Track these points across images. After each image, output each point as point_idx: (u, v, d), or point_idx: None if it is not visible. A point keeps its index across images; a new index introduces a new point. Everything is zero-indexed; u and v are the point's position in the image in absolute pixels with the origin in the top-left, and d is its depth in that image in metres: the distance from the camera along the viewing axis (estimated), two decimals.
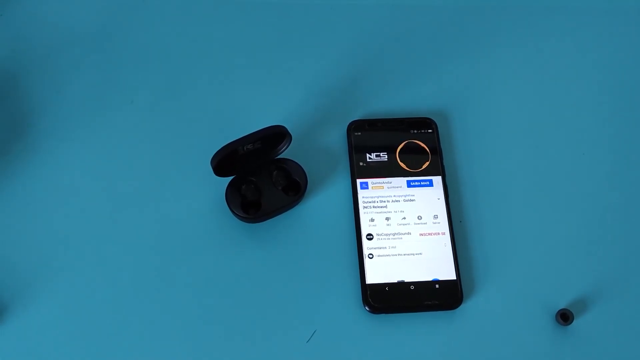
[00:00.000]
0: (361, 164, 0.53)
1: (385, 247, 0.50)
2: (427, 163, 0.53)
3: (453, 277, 0.49)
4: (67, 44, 0.59)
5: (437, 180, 0.52)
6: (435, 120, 0.55)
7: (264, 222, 0.51)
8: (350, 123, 0.55)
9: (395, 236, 0.50)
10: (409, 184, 0.52)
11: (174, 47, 0.59)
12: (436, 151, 0.54)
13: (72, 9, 0.60)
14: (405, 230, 0.50)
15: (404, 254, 0.49)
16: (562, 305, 0.49)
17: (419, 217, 0.51)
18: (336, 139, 0.55)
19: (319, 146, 0.54)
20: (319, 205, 0.52)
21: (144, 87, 0.57)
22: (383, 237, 0.50)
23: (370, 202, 0.51)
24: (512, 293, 0.49)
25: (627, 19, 0.61)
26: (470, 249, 0.50)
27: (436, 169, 0.53)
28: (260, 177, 0.51)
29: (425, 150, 0.54)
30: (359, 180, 0.52)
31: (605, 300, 0.49)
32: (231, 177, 0.51)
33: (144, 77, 0.57)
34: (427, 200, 0.51)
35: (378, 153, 0.53)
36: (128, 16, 0.60)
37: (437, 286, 0.48)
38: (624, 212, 0.52)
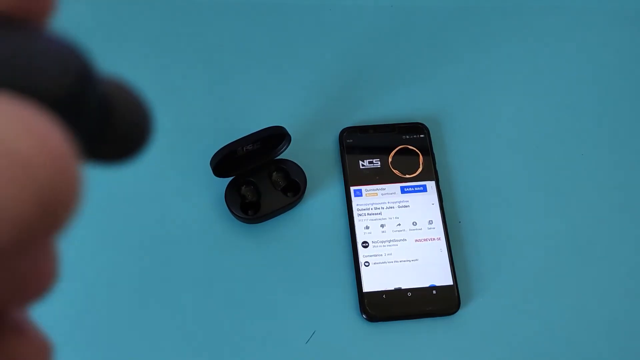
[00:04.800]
0: (354, 171, 0.52)
1: (381, 255, 0.49)
2: (420, 168, 0.53)
3: (450, 282, 0.49)
4: None
5: (431, 185, 0.52)
6: (427, 125, 0.55)
7: (263, 222, 0.51)
8: (341, 130, 0.54)
9: (391, 243, 0.50)
10: (402, 190, 0.52)
11: (173, 47, 0.58)
12: (429, 156, 0.53)
13: (72, 9, 0.60)
14: (400, 236, 0.50)
15: (400, 261, 0.49)
16: (559, 305, 0.49)
17: (414, 223, 0.51)
18: (335, 140, 0.55)
19: (318, 147, 0.54)
20: (318, 206, 0.52)
21: (143, 87, 0.56)
22: (378, 244, 0.50)
23: (364, 209, 0.51)
24: (509, 297, 0.49)
25: (619, 20, 0.62)
26: (466, 254, 0.50)
27: (429, 174, 0.53)
28: (260, 177, 0.51)
29: (418, 155, 0.53)
30: (352, 188, 0.52)
31: (605, 302, 0.49)
32: (231, 178, 0.51)
33: (143, 77, 0.56)
34: (422, 205, 0.51)
35: (371, 160, 0.53)
36: (128, 16, 0.60)
37: (434, 292, 0.48)
38: (621, 215, 0.52)
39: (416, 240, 0.50)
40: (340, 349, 0.47)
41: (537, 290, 0.49)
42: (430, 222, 0.51)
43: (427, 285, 0.49)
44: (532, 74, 0.58)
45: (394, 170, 0.53)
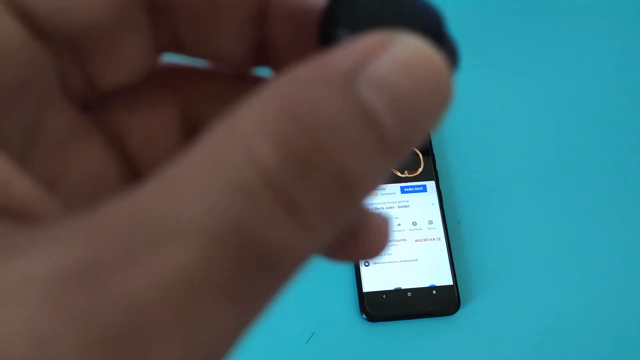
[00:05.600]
0: None
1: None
2: (420, 168, 0.53)
3: (450, 282, 0.49)
4: None
5: (431, 185, 0.52)
6: None
7: None
8: None
9: (391, 243, 0.50)
10: (402, 190, 0.52)
11: None
12: (429, 156, 0.53)
13: None
14: (400, 236, 0.50)
15: (400, 261, 0.49)
16: (559, 305, 0.49)
17: (414, 223, 0.51)
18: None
19: None
20: None
21: None
22: None
23: None
24: (509, 297, 0.49)
25: (622, 21, 0.61)
26: (466, 254, 0.50)
27: (429, 174, 0.53)
28: None
29: (418, 155, 0.53)
30: None
31: (606, 303, 0.49)
32: None
33: None
34: (422, 205, 0.51)
35: None
36: None
37: (434, 292, 0.48)
38: (622, 216, 0.52)
39: (416, 240, 0.50)
40: (340, 349, 0.47)
41: (537, 290, 0.49)
42: (430, 222, 0.51)
43: (427, 285, 0.49)
44: (533, 74, 0.58)
45: (394, 170, 0.53)
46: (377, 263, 0.49)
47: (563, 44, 0.60)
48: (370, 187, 0.12)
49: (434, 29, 0.13)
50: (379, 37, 0.12)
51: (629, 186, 0.54)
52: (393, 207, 0.51)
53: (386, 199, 0.51)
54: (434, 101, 0.12)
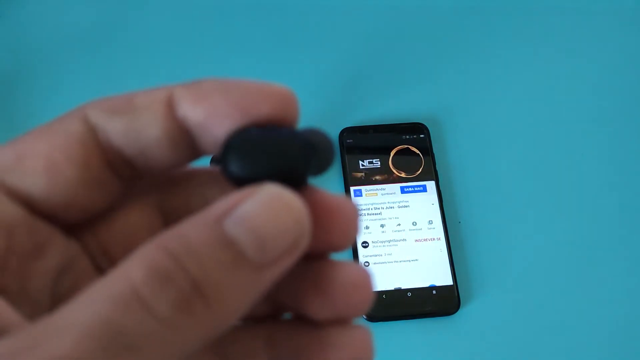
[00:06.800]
0: (354, 171, 0.53)
1: (381, 255, 0.49)
2: (420, 168, 0.53)
3: (450, 282, 0.49)
4: (67, 45, 0.58)
5: (431, 185, 0.52)
6: (427, 125, 0.55)
7: None
8: (341, 131, 0.54)
9: (391, 243, 0.50)
10: (402, 190, 0.52)
11: (173, 47, 0.58)
12: (429, 156, 0.53)
13: (72, 9, 0.60)
14: (400, 236, 0.50)
15: (400, 261, 0.49)
16: (559, 305, 0.49)
17: (414, 223, 0.51)
18: (335, 140, 0.54)
19: None
20: None
21: (144, 88, 0.56)
22: (378, 244, 0.50)
23: (364, 209, 0.51)
24: (509, 297, 0.49)
25: (622, 21, 0.61)
26: (466, 254, 0.50)
27: (429, 174, 0.53)
28: None
29: (418, 155, 0.54)
30: (352, 188, 0.52)
31: (606, 303, 0.49)
32: None
33: (143, 78, 0.57)
34: (422, 205, 0.51)
35: (371, 160, 0.53)
36: (128, 16, 0.59)
37: (434, 292, 0.48)
38: (623, 217, 0.52)
39: (416, 240, 0.50)
40: None
41: (537, 290, 0.49)
42: (430, 222, 0.51)
43: (427, 285, 0.49)
44: (533, 74, 0.58)
45: (394, 171, 0.53)
46: (377, 263, 0.49)
47: (562, 44, 0.60)
48: (240, 297, 0.16)
49: (295, 173, 0.17)
50: (248, 190, 0.16)
51: (630, 186, 0.54)
52: (393, 207, 0.51)
53: (386, 199, 0.51)
54: (284, 229, 0.16)
